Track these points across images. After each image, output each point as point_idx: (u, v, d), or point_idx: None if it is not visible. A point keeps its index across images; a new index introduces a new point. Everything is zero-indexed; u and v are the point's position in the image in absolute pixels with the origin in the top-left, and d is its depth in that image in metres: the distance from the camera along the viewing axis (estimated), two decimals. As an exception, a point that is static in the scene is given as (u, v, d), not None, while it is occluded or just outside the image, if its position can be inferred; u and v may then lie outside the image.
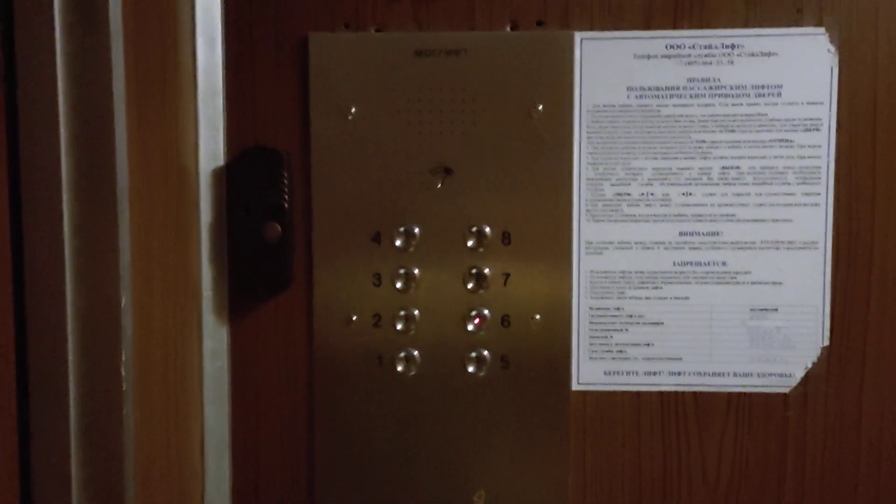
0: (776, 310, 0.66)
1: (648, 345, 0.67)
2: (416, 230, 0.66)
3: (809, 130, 0.64)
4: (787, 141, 0.64)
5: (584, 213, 0.66)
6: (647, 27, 0.65)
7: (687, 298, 0.66)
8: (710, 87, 0.65)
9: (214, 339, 0.67)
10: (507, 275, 0.66)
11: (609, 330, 0.67)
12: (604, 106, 0.65)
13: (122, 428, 0.51)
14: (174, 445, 0.62)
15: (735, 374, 0.66)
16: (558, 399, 0.67)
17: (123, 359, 0.49)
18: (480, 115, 0.65)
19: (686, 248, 0.66)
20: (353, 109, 0.65)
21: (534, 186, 0.65)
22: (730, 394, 0.67)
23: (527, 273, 0.66)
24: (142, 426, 0.54)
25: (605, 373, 0.67)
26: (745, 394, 0.66)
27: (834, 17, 0.64)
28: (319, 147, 0.66)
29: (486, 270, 0.66)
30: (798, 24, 0.64)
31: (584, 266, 0.66)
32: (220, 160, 0.66)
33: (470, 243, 0.66)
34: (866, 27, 0.64)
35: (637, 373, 0.67)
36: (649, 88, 0.65)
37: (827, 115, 0.64)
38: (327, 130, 0.66)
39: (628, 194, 0.66)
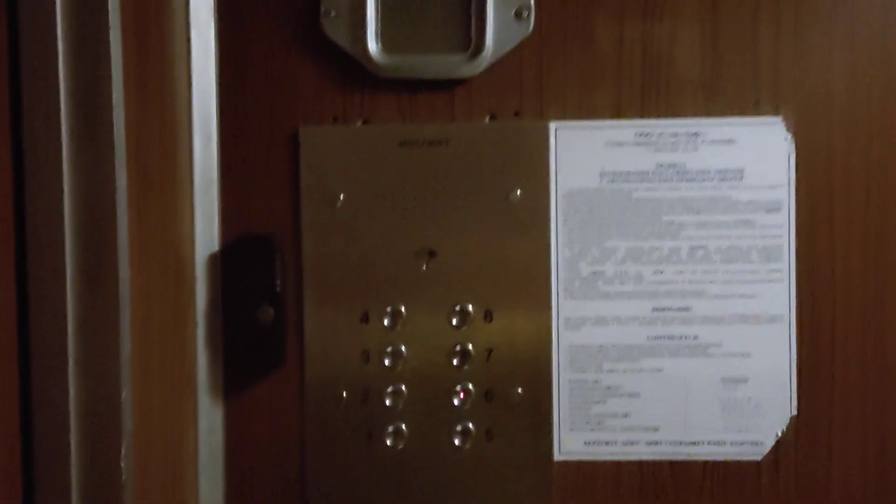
0: (746, 380, 0.69)
1: (626, 415, 0.70)
2: (403, 309, 0.69)
3: (770, 211, 0.68)
4: (749, 222, 0.69)
5: (562, 290, 0.69)
6: (618, 116, 0.69)
7: (661, 370, 0.69)
8: (677, 172, 0.69)
9: (210, 417, 0.69)
10: (490, 350, 0.69)
11: (588, 401, 0.70)
12: (578, 190, 0.69)
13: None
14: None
15: (709, 443, 0.69)
16: (542, 470, 0.69)
17: (123, 452, 0.52)
18: (462, 200, 0.69)
19: (659, 322, 0.69)
20: (342, 197, 0.69)
21: (514, 266, 0.69)
22: (705, 462, 0.69)
23: (509, 348, 0.69)
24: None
25: (585, 443, 0.70)
26: (719, 462, 0.69)
27: (790, 105, 0.68)
28: (310, 233, 0.69)
29: (470, 347, 0.69)
30: (756, 112, 0.68)
31: (563, 341, 0.70)
32: (216, 247, 0.69)
33: (454, 321, 0.69)
34: (820, 114, 0.68)
35: (616, 442, 0.70)
36: (621, 173, 0.69)
37: (786, 196, 0.68)
38: (317, 217, 0.69)
39: (603, 273, 0.69)
